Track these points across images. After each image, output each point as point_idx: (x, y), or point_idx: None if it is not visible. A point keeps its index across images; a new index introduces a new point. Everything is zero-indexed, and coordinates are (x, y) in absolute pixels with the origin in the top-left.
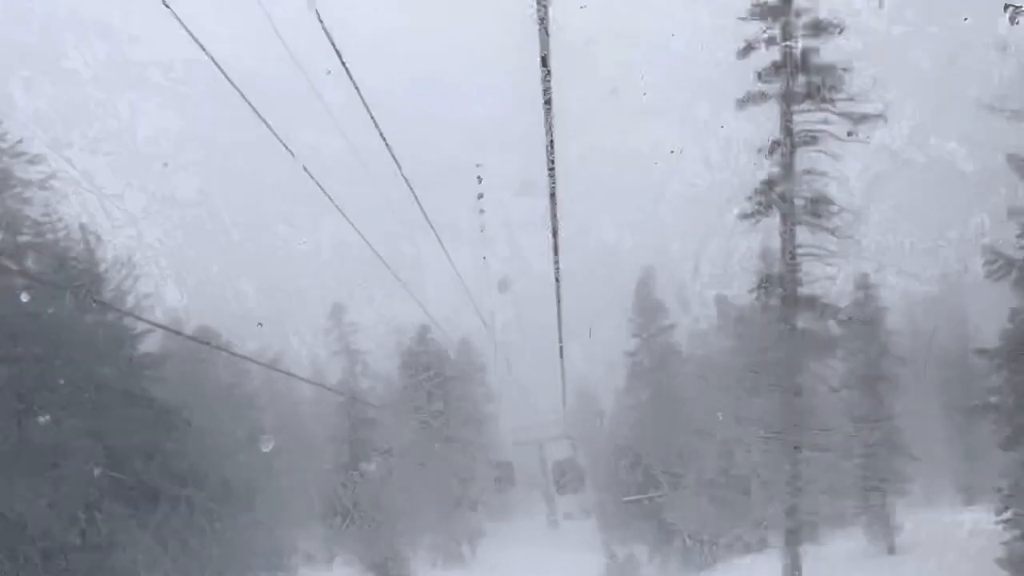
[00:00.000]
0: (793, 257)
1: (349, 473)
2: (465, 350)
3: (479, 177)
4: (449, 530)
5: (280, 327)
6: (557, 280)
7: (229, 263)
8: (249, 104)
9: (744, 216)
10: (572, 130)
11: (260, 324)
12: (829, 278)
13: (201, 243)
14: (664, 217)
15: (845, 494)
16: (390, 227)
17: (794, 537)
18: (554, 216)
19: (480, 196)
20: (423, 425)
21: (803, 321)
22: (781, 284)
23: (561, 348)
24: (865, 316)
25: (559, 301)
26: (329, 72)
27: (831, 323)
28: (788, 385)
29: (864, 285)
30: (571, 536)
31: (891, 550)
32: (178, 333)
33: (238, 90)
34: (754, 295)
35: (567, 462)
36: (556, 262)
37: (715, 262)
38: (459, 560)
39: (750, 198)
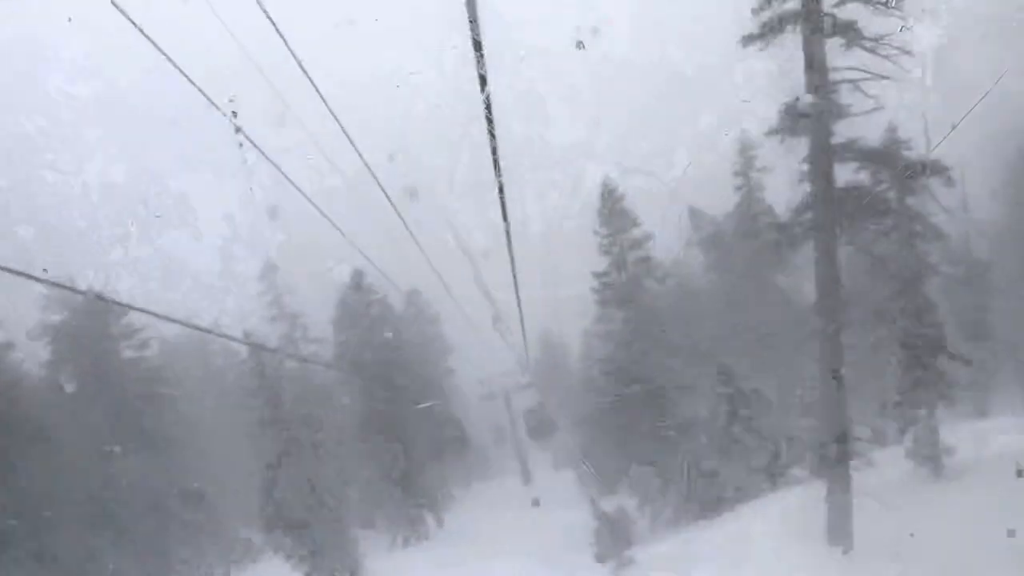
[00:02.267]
0: (824, 84)
1: (277, 452)
2: (415, 301)
3: (234, 112)
4: (409, 502)
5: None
6: (505, 219)
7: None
8: None
9: (750, 39)
10: None
11: (45, 270)
12: (876, 108)
13: None
14: None
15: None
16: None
17: (837, 462)
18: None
19: (238, 130)
20: (367, 386)
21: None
22: (810, 122)
23: (518, 295)
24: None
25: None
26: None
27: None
28: (824, 267)
29: None
30: (548, 493)
31: (937, 474)
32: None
33: None
34: (776, 136)
35: (536, 408)
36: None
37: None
38: (423, 534)
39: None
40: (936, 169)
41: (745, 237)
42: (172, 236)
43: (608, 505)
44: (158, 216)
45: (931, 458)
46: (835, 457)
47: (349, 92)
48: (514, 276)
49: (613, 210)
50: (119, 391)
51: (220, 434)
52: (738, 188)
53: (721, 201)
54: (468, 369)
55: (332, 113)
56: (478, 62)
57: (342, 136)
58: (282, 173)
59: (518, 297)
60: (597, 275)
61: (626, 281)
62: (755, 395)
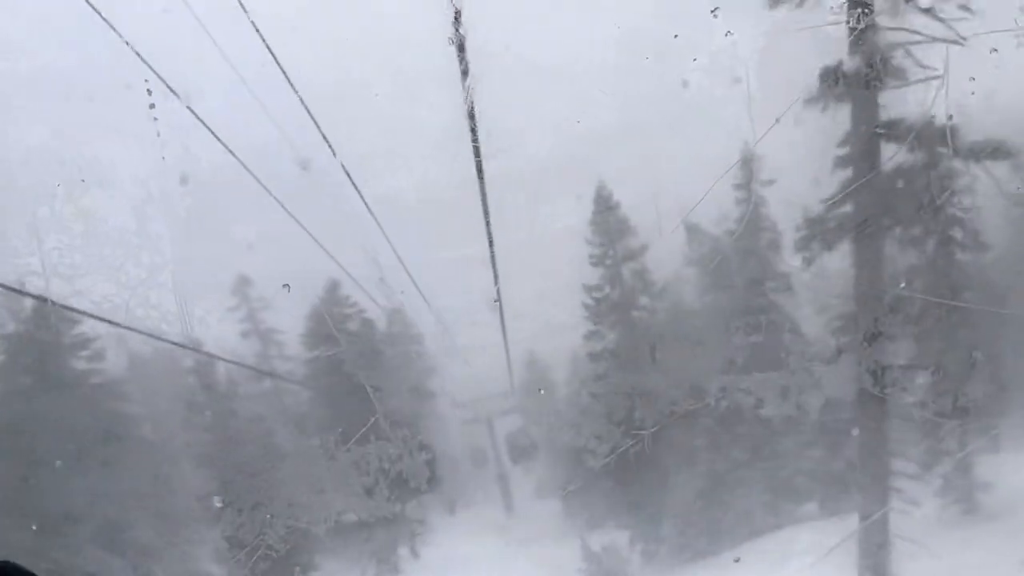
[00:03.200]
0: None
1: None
2: (399, 320)
3: (148, 90)
4: (381, 532)
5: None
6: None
7: None
8: None
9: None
10: None
11: None
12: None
13: None
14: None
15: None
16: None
17: (876, 501)
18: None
19: (152, 106)
20: (339, 406)
21: None
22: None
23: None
24: None
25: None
26: None
27: None
28: (868, 269)
29: None
30: (533, 523)
31: (972, 512)
32: None
33: None
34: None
35: (519, 432)
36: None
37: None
38: (394, 568)
39: None
40: (1004, 152)
41: (747, 255)
42: (93, 196)
43: (597, 539)
44: (83, 180)
45: (964, 495)
46: (874, 495)
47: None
48: (498, 296)
49: (607, 218)
50: (67, 405)
51: (174, 455)
52: (739, 202)
53: (720, 215)
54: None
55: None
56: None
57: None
58: (234, 156)
59: (502, 317)
60: (589, 289)
61: (620, 296)
62: (762, 423)
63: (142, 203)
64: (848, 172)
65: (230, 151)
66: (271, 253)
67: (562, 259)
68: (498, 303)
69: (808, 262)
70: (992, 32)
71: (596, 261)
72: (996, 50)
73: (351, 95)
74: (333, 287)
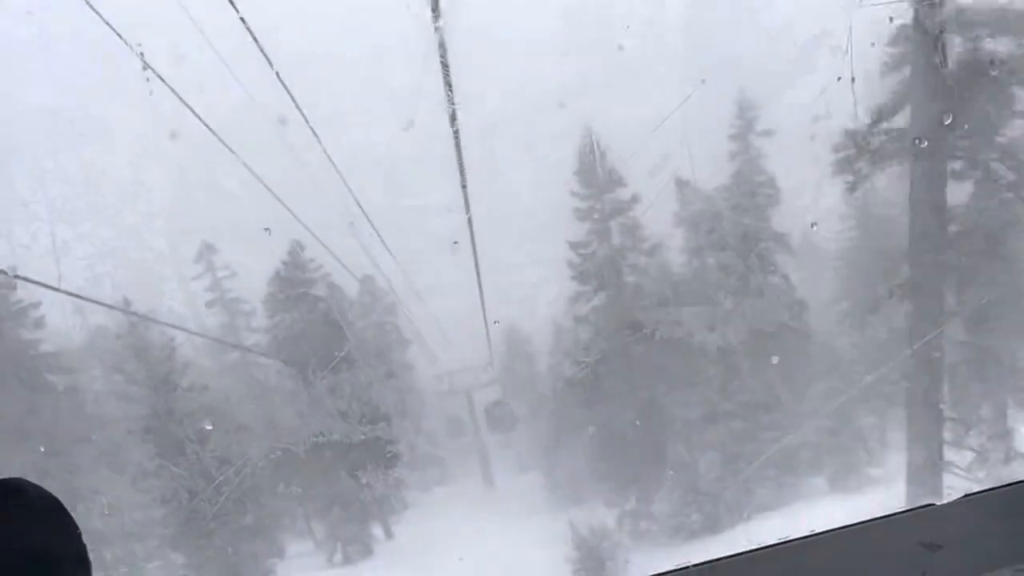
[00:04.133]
0: None
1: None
2: (370, 288)
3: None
4: (353, 511)
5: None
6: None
7: None
8: None
9: None
10: None
11: None
12: None
13: None
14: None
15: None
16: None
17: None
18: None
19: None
20: (305, 378)
21: None
22: None
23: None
24: None
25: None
26: None
27: None
28: (928, 193)
29: None
30: (513, 499)
31: None
32: None
33: None
34: None
35: (498, 403)
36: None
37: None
38: (367, 548)
39: None
40: None
41: (743, 213)
42: (93, 149)
43: (580, 515)
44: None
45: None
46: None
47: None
48: (476, 265)
49: (594, 168)
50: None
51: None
52: (734, 156)
53: (714, 169)
54: (428, 364)
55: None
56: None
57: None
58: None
59: (480, 286)
60: (574, 245)
61: (609, 253)
62: (764, 390)
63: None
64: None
65: (198, 116)
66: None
67: (544, 214)
68: (477, 274)
69: (852, 187)
70: None
71: (583, 215)
72: None
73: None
74: (296, 249)
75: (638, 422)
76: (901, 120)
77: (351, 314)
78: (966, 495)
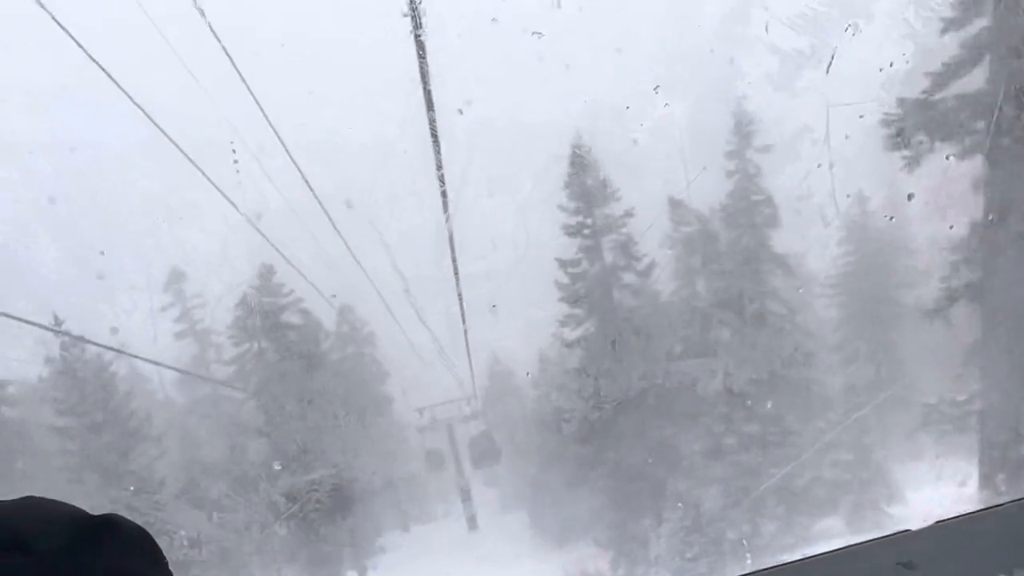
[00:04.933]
0: None
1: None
2: (348, 318)
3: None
4: (326, 554)
5: None
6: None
7: None
8: None
9: None
10: None
11: None
12: None
13: None
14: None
15: None
16: None
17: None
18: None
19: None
20: (277, 411)
21: None
22: None
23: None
24: None
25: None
26: None
27: None
28: None
29: None
30: (498, 541)
31: None
32: None
33: None
34: None
35: (481, 436)
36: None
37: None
38: None
39: None
40: None
41: (739, 233)
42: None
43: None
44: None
45: None
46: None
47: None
48: (459, 293)
49: (585, 179)
50: None
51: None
52: (730, 173)
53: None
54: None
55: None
56: None
57: None
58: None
59: (463, 312)
60: (563, 264)
61: (601, 272)
62: (772, 421)
63: None
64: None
65: (171, 139)
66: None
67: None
68: (459, 300)
69: (913, 162)
70: None
71: (572, 231)
72: None
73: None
74: (267, 272)
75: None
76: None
77: (326, 344)
78: (939, 521)
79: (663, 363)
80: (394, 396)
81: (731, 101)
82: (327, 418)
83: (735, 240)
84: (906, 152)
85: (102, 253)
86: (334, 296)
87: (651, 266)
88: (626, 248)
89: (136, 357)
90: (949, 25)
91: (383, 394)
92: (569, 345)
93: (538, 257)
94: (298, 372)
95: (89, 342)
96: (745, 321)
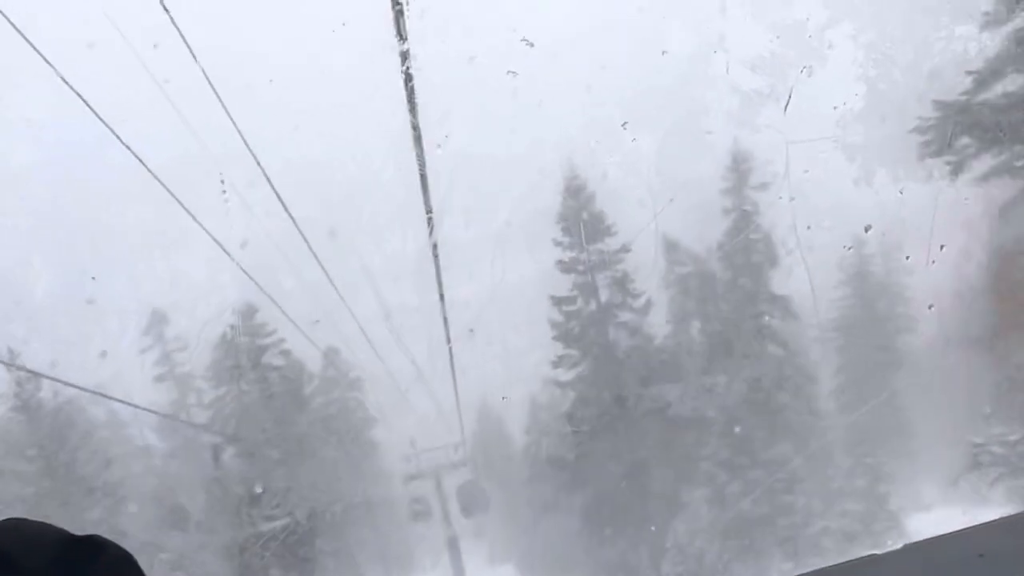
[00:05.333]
0: None
1: None
2: (334, 362)
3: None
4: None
5: None
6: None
7: None
8: None
9: None
10: None
11: None
12: None
13: None
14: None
15: None
16: None
17: None
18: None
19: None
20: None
21: None
22: None
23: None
24: None
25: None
26: None
27: None
28: None
29: None
30: None
31: None
32: None
33: None
34: None
35: (470, 484)
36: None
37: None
38: None
39: None
40: None
41: (736, 274)
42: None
43: None
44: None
45: None
46: None
47: None
48: (447, 334)
49: (580, 212)
50: None
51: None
52: (727, 212)
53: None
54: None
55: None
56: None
57: None
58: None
59: (451, 355)
60: (557, 301)
61: (597, 311)
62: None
63: None
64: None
65: (157, 178)
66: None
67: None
68: (449, 347)
69: (956, 168)
70: None
71: (566, 267)
72: None
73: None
74: (249, 312)
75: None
76: None
77: (309, 388)
78: (905, 545)
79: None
80: (381, 441)
81: (697, 135)
82: (310, 465)
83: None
84: (950, 157)
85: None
86: (317, 321)
87: (648, 304)
88: (622, 285)
89: (103, 396)
90: (988, 23)
91: (369, 439)
92: (563, 387)
93: (516, 293)
94: (280, 416)
95: (42, 376)
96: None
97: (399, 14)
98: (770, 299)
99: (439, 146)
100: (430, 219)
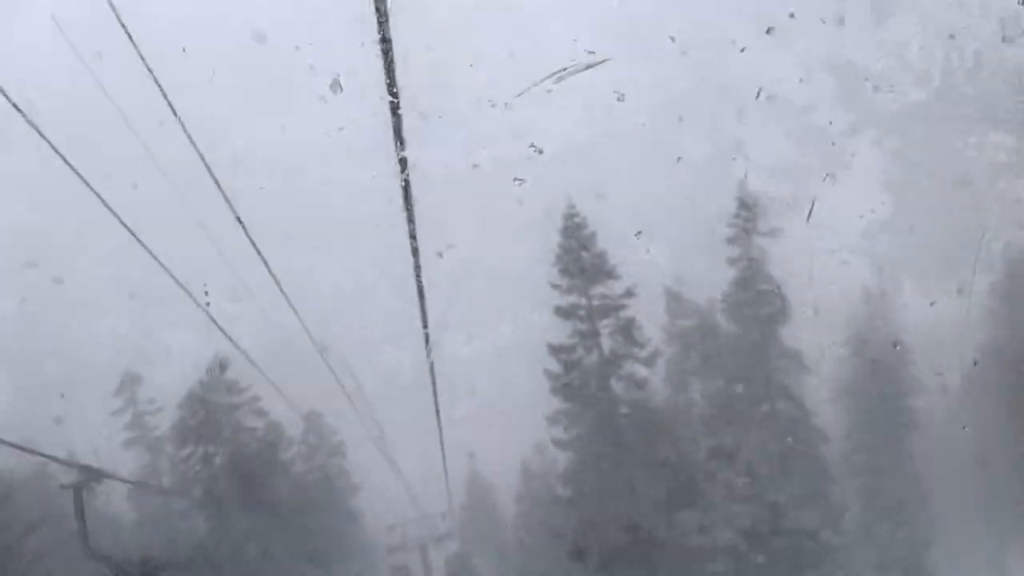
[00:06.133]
0: None
1: None
2: (316, 427)
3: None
4: None
5: None
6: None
7: None
8: None
9: None
10: None
11: None
12: None
13: None
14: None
15: None
16: None
17: None
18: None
19: None
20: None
21: None
22: None
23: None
24: None
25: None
26: None
27: None
28: None
29: None
30: None
31: None
32: None
33: None
34: None
35: (460, 554)
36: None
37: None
38: None
39: None
40: None
41: (744, 326)
42: None
43: None
44: None
45: None
46: None
47: None
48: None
49: (580, 253)
50: None
51: None
52: (733, 261)
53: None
54: (377, 513)
55: None
56: None
57: None
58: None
59: (439, 419)
60: (555, 350)
61: (600, 362)
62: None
63: None
64: None
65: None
66: None
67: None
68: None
69: None
70: None
71: (565, 312)
72: None
73: None
74: (220, 366)
75: None
76: None
77: (289, 454)
78: None
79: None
80: (365, 511)
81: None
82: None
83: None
84: None
85: None
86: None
87: (655, 355)
88: (627, 332)
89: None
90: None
91: (352, 509)
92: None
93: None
94: (252, 481)
95: None
96: None
97: (397, 119)
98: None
99: (440, 255)
100: (427, 335)
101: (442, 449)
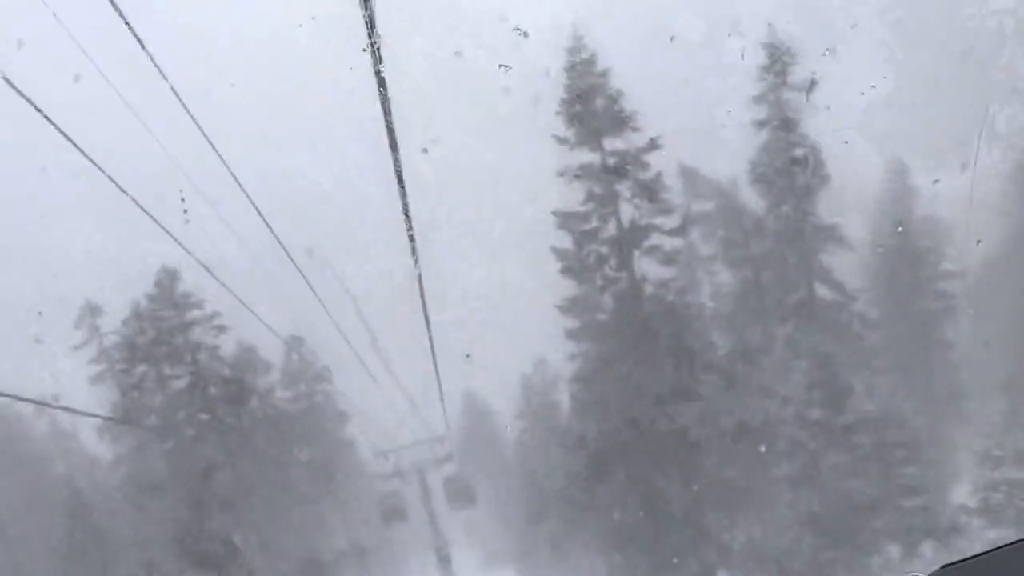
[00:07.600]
0: None
1: None
2: (298, 349)
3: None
4: None
5: None
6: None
7: None
8: None
9: None
10: None
11: None
12: None
13: None
14: None
15: None
16: None
17: None
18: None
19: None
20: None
21: None
22: None
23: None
24: None
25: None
26: None
27: None
28: None
29: None
30: None
31: None
32: None
33: None
34: None
35: (456, 477)
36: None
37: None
38: None
39: None
40: None
41: (776, 206)
42: None
43: None
44: None
45: None
46: None
47: None
48: (425, 312)
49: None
50: None
51: None
52: (761, 124)
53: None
54: (371, 439)
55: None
56: None
57: None
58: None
59: (431, 339)
60: (565, 219)
61: (628, 287)
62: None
63: None
64: None
65: (91, 160)
66: None
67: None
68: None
69: None
70: None
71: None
72: None
73: None
74: (170, 276)
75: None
76: None
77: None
78: (944, 566)
79: None
80: (354, 439)
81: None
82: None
83: None
84: None
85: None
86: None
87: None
88: (652, 195)
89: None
90: None
91: (345, 438)
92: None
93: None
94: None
95: None
96: None
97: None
98: None
99: (426, 150)
100: (411, 237)
101: (435, 363)
